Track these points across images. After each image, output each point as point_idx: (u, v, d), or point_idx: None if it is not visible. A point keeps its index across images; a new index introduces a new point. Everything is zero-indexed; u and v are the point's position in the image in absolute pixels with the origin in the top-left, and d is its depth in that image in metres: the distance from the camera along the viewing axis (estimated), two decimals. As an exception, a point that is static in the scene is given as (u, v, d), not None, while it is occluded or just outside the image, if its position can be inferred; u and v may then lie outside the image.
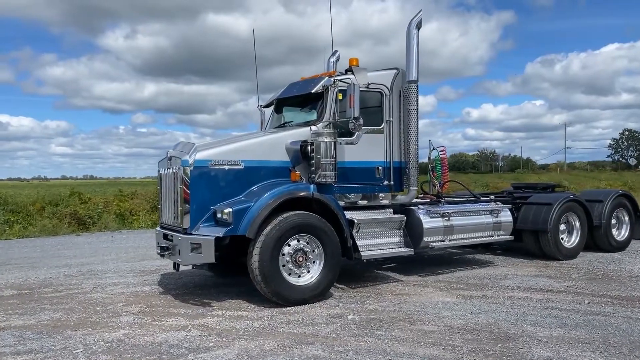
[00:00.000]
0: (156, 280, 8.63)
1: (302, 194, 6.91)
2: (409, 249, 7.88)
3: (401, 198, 8.18)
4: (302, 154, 7.18)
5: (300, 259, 6.76)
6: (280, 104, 8.71)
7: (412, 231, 8.10)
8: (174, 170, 6.95)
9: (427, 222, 8.14)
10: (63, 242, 14.21)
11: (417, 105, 8.02)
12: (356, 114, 6.98)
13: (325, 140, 7.08)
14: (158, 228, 7.75)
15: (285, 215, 6.65)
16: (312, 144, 7.16)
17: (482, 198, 9.74)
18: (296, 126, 7.79)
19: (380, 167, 7.91)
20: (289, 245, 6.71)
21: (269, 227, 6.53)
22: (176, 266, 7.12)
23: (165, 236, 7.31)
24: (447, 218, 8.41)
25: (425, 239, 8.10)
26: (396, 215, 7.93)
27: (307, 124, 7.62)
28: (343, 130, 7.38)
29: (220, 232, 6.44)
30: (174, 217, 7.00)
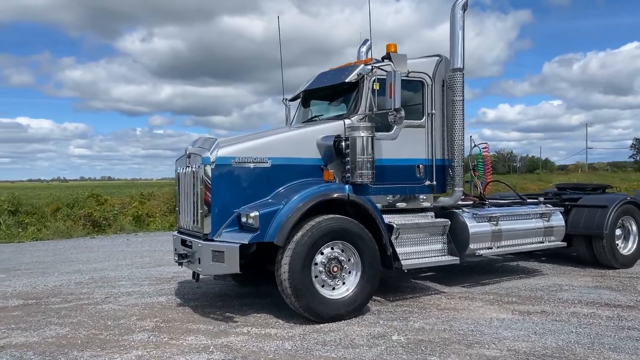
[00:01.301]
0: (173, 289, 7.91)
1: (336, 195, 6.12)
2: (454, 258, 7.03)
3: (444, 200, 7.33)
4: (336, 151, 6.38)
5: (335, 269, 5.97)
6: (308, 97, 7.93)
7: (456, 237, 7.25)
8: (194, 169, 6.21)
9: (474, 226, 7.28)
10: (77, 246, 13.63)
11: (463, 96, 7.17)
12: (397, 105, 6.16)
13: (362, 135, 6.28)
14: (175, 233, 7.02)
15: (317, 219, 5.87)
16: (346, 139, 6.36)
17: (528, 200, 8.83)
18: (328, 120, 7.00)
19: (421, 166, 7.08)
20: (322, 254, 5.93)
21: (299, 233, 5.75)
22: (196, 276, 6.38)
23: (183, 242, 6.58)
24: (494, 222, 7.53)
25: (472, 245, 7.24)
26: (440, 220, 7.09)
27: (339, 117, 6.83)
28: (379, 125, 6.58)
29: (245, 238, 5.68)
30: (194, 221, 6.26)
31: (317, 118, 7.38)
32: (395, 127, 6.80)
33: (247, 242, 5.64)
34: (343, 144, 6.36)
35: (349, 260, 6.09)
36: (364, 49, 8.74)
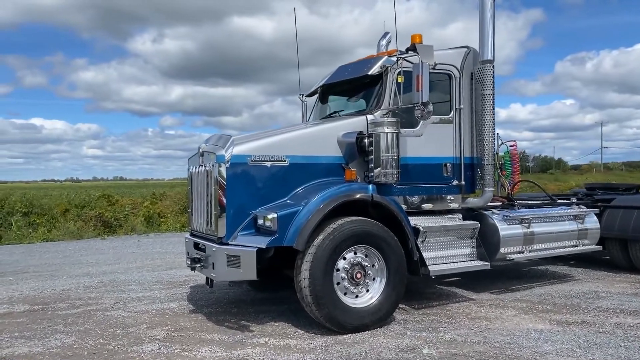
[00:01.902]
0: (185, 294, 7.54)
1: (358, 196, 5.69)
2: (485, 263, 6.57)
3: (473, 201, 6.87)
4: (358, 148, 5.96)
5: (358, 275, 5.55)
6: (326, 92, 7.52)
7: (485, 241, 6.79)
8: (207, 168, 5.83)
9: (505, 229, 6.81)
10: (87, 247, 13.35)
11: (494, 90, 6.71)
12: (425, 99, 5.71)
13: (386, 131, 5.84)
14: (188, 235, 6.65)
15: (340, 222, 5.45)
16: (369, 135, 5.94)
17: (559, 201, 8.32)
18: (348, 116, 6.57)
19: (448, 164, 6.62)
20: (344, 259, 5.51)
21: (320, 237, 5.33)
22: (209, 282, 5.99)
23: (196, 245, 6.20)
24: (526, 225, 7.06)
25: (502, 249, 6.78)
26: (469, 222, 6.64)
27: (361, 112, 6.40)
28: (403, 120, 6.14)
29: (262, 242, 5.28)
30: (207, 223, 5.87)
31: (336, 114, 6.96)
32: (422, 123, 6.38)
33: (264, 247, 5.23)
34: (366, 140, 5.94)
35: (373, 266, 5.67)
36: (384, 42, 8.28)
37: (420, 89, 5.71)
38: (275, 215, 5.29)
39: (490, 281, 7.88)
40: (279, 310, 6.46)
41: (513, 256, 6.87)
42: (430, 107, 5.80)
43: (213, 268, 5.63)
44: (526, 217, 7.08)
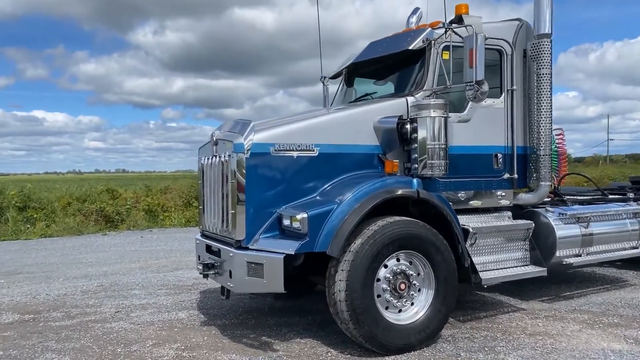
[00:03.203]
0: (195, 301, 6.70)
1: (401, 192, 4.82)
2: (541, 268, 5.71)
3: (526, 197, 5.98)
4: (399, 135, 5.08)
5: (402, 286, 4.69)
6: (353, 73, 6.63)
7: (539, 242, 5.93)
8: (223, 159, 4.96)
9: (561, 229, 5.94)
10: (87, 244, 12.53)
11: (551, 69, 5.81)
12: (479, 77, 4.82)
13: (433, 115, 4.96)
14: (198, 236, 5.80)
15: (381, 223, 4.58)
16: (412, 120, 5.06)
17: (610, 196, 7.43)
18: (385, 98, 5.68)
19: (499, 154, 5.74)
20: (386, 267, 4.65)
21: (359, 241, 4.47)
22: (225, 292, 5.14)
23: (208, 248, 5.36)
24: (584, 224, 6.18)
25: (558, 252, 5.91)
26: (522, 222, 5.77)
27: (399, 94, 5.51)
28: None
29: (290, 247, 4.42)
30: (223, 223, 5.02)
31: (368, 97, 6.06)
32: (469, 107, 5.50)
33: (293, 252, 4.37)
34: (408, 126, 5.06)
35: (418, 274, 4.81)
36: (413, 19, 7.34)
37: (474, 65, 4.82)
38: (306, 215, 4.42)
39: (535, 286, 7.01)
40: (303, 322, 5.62)
41: (569, 260, 6.00)
42: (486, 87, 4.91)
43: (230, 277, 4.78)
44: (584, 215, 6.21)
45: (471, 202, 5.65)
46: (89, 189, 19.18)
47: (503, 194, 5.80)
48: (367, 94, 6.08)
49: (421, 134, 4.96)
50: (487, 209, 5.80)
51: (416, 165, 5.02)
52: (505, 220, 5.78)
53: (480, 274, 5.23)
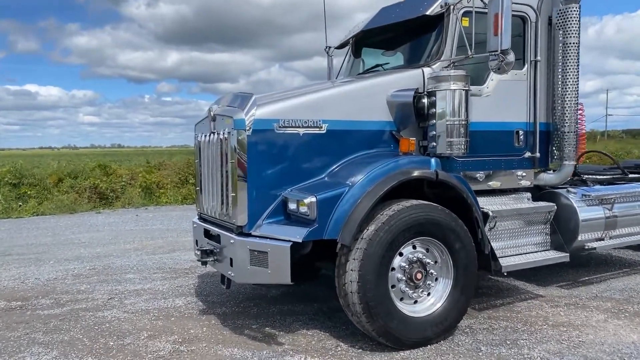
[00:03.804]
0: (192, 286, 6.34)
1: (418, 173, 4.39)
2: (563, 254, 5.34)
3: (548, 177, 5.57)
4: (415, 110, 4.62)
5: (419, 275, 4.31)
6: (361, 42, 6.13)
7: (560, 226, 5.54)
8: (222, 137, 4.51)
9: (584, 211, 5.56)
10: (80, 223, 12.12)
11: (579, 38, 5.33)
12: (505, 45, 4.35)
13: (453, 87, 4.50)
14: (196, 219, 5.39)
15: (396, 207, 4.17)
16: (430, 94, 4.60)
17: (630, 175, 7.02)
18: (398, 69, 5.21)
19: (520, 131, 5.30)
20: (401, 255, 4.26)
21: (372, 227, 4.06)
22: (225, 281, 4.75)
23: (207, 233, 4.95)
24: (608, 206, 5.79)
25: (581, 236, 5.53)
26: (544, 204, 5.38)
27: (414, 65, 5.04)
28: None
29: (297, 234, 4.01)
30: (222, 207, 4.60)
31: (379, 68, 5.58)
32: (489, 79, 5.05)
33: (301, 240, 3.97)
34: (425, 100, 4.60)
35: (435, 262, 4.43)
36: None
37: (499, 32, 4.34)
38: (314, 199, 4.00)
39: (551, 270, 6.65)
40: (308, 311, 5.26)
41: (593, 244, 5.63)
42: (512, 57, 4.43)
43: (231, 265, 4.39)
44: (609, 196, 5.81)
45: (490, 183, 5.23)
46: (79, 164, 18.68)
47: (523, 174, 5.39)
48: (377, 65, 5.60)
49: (440, 108, 4.51)
50: (504, 190, 5.40)
51: (434, 144, 4.58)
52: (525, 202, 5.38)
53: (500, 260, 4.86)
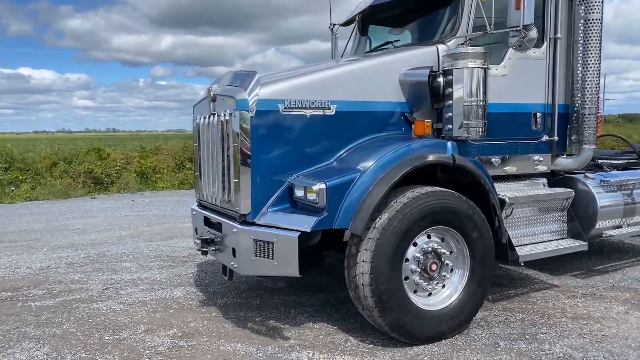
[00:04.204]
0: (191, 275, 6.08)
1: (433, 157, 4.10)
2: (581, 242, 5.10)
3: (566, 162, 5.30)
4: (430, 90, 4.32)
5: (434, 266, 4.06)
6: (368, 19, 5.80)
7: (577, 212, 5.29)
8: (223, 118, 4.20)
9: (603, 198, 5.30)
10: (74, 208, 11.82)
11: (602, 14, 5.01)
12: (527, 20, 4.05)
13: (471, 66, 4.19)
14: (195, 206, 5.11)
15: (410, 194, 3.90)
16: (445, 72, 4.29)
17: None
18: (410, 46, 4.88)
19: (538, 113, 5.01)
20: (415, 245, 3.99)
21: (385, 216, 3.79)
22: (228, 272, 4.47)
23: (207, 221, 4.67)
24: (627, 192, 5.54)
25: (599, 223, 5.29)
26: (561, 190, 5.12)
27: (427, 42, 4.72)
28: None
29: (305, 223, 3.74)
30: (224, 193, 4.31)
31: (389, 46, 5.25)
32: (507, 57, 4.75)
33: (309, 230, 3.70)
34: (441, 80, 4.30)
35: (451, 252, 4.17)
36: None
37: (522, 6, 4.03)
38: (323, 185, 3.72)
39: (563, 258, 6.35)
40: (314, 302, 5.02)
41: (612, 232, 5.40)
42: (534, 33, 4.14)
43: (234, 256, 4.12)
44: (628, 182, 5.56)
45: (505, 169, 4.96)
46: (74, 148, 18.30)
47: (540, 158, 5.11)
48: (387, 43, 5.27)
49: (457, 88, 4.21)
50: (517, 175, 5.13)
51: (450, 126, 4.29)
52: (541, 188, 5.12)
53: (517, 249, 4.61)
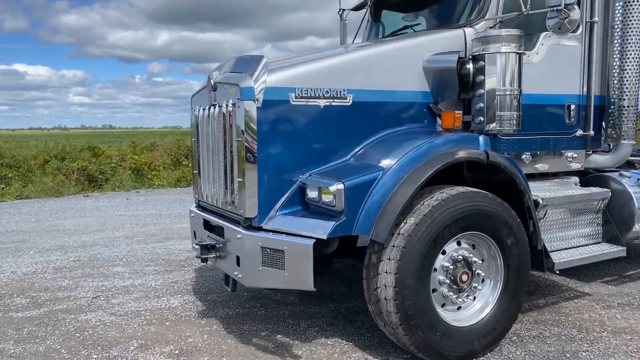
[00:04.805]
0: (189, 282, 5.61)
1: (463, 154, 3.63)
2: (619, 247, 4.65)
3: (601, 159, 4.84)
4: (459, 78, 3.84)
5: (464, 277, 3.59)
6: (381, 3, 5.32)
7: (612, 214, 4.83)
8: (225, 110, 3.71)
9: (641, 198, 4.84)
10: (66, 207, 11.31)
11: (643, -5, 4.54)
12: (569, -1, 3.58)
13: (505, 50, 3.72)
14: (193, 207, 4.62)
15: (439, 196, 3.43)
16: (476, 58, 3.82)
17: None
18: (434, 30, 4.40)
19: (572, 105, 4.55)
20: (444, 254, 3.53)
21: (411, 221, 3.33)
22: (230, 282, 3.99)
23: (207, 225, 4.19)
24: (666, 192, 5.08)
25: (636, 226, 4.82)
26: (597, 190, 4.66)
27: (451, 26, 4.24)
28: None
29: (321, 229, 3.26)
30: (226, 194, 3.83)
31: (409, 30, 4.77)
32: (540, 42, 4.27)
33: (326, 237, 3.22)
34: (471, 66, 3.82)
35: (482, 261, 3.70)
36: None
37: (563, -17, 3.56)
38: (342, 185, 3.24)
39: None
40: (325, 314, 4.55)
41: (648, 236, 4.93)
42: (576, 14, 3.71)
43: (238, 265, 3.64)
44: (666, 181, 5.09)
45: (536, 166, 4.49)
46: (66, 145, 17.76)
47: (574, 155, 4.65)
48: (406, 27, 4.78)
49: (489, 75, 3.73)
50: (544, 174, 4.66)
51: (481, 118, 3.82)
52: (574, 187, 4.66)
53: (554, 257, 4.15)
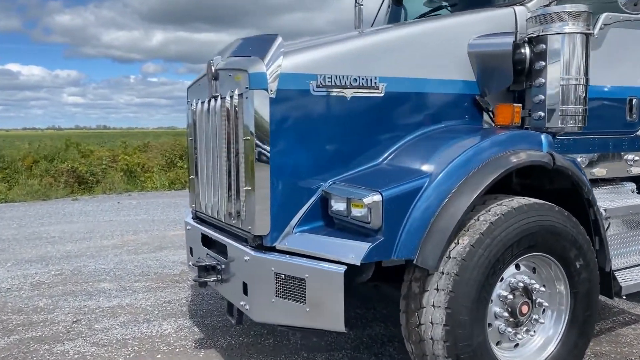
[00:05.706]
0: (184, 301, 4.91)
1: (524, 157, 2.94)
2: (688, 266, 3.98)
3: (665, 163, 4.17)
4: (514, 65, 3.16)
5: (524, 308, 2.91)
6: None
7: (675, 227, 4.17)
8: (229, 103, 3.01)
9: None
10: (53, 212, 10.56)
11: None
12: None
13: (569, 30, 3.05)
14: (189, 219, 3.92)
15: (498, 210, 2.75)
16: (534, 41, 3.15)
17: None
18: (476, 9, 3.73)
19: (633, 100, 3.88)
20: (502, 280, 2.85)
21: (465, 241, 2.65)
22: (235, 313, 3.27)
23: (206, 240, 3.49)
24: None
25: (703, 241, 4.17)
26: (663, 198, 3.99)
27: (498, 4, 3.58)
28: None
29: (352, 252, 2.56)
30: (230, 205, 3.13)
31: (443, 10, 4.10)
32: (598, 25, 3.60)
33: (359, 263, 2.53)
34: (527, 50, 3.15)
35: (543, 288, 3.03)
36: None
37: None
38: (379, 197, 2.56)
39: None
40: (343, 344, 3.87)
41: None
42: (658, -13, 3.00)
43: (245, 293, 2.94)
44: None
45: (593, 171, 3.82)
46: (52, 145, 16.99)
47: (636, 158, 3.98)
48: (440, 7, 4.11)
49: (552, 62, 3.07)
50: (594, 180, 3.99)
51: (541, 113, 3.15)
52: (633, 195, 3.99)
53: (619, 277, 3.49)
